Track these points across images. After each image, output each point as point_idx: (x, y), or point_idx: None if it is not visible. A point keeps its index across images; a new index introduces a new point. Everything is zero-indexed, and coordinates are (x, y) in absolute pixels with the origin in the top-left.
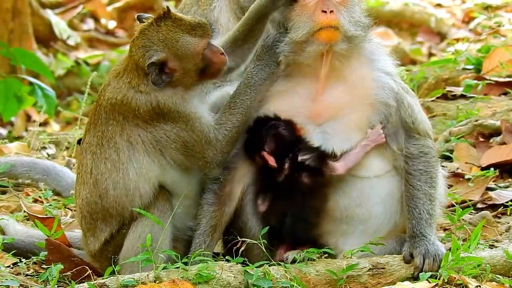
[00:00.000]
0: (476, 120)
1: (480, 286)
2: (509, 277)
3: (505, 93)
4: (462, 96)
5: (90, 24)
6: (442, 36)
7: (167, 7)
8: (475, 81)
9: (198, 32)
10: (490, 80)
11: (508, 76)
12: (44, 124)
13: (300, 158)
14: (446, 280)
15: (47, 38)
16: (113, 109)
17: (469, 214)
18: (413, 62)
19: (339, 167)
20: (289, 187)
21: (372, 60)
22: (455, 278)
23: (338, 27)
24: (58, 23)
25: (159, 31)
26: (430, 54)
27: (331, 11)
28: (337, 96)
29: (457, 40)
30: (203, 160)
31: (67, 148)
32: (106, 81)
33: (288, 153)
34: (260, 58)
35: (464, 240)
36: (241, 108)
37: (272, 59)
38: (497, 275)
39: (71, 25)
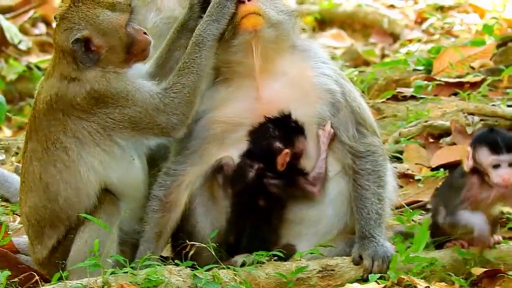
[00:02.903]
0: (426, 121)
1: (429, 286)
2: (459, 276)
3: (455, 94)
4: (413, 97)
5: (41, 28)
6: (395, 37)
7: None
8: (425, 82)
9: (117, 7)
10: (440, 81)
11: (458, 77)
12: None
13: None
14: (395, 282)
15: None
16: (50, 108)
17: (419, 214)
18: (367, 63)
19: (316, 191)
20: (253, 194)
21: (306, 50)
22: (404, 279)
23: (260, 13)
24: (10, 28)
25: (78, 11)
26: (383, 55)
27: (249, 0)
28: (279, 90)
29: (410, 41)
30: (158, 128)
31: (16, 153)
32: (39, 86)
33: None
34: (210, 14)
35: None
36: (192, 67)
37: (223, 14)
38: (448, 273)
39: (23, 30)
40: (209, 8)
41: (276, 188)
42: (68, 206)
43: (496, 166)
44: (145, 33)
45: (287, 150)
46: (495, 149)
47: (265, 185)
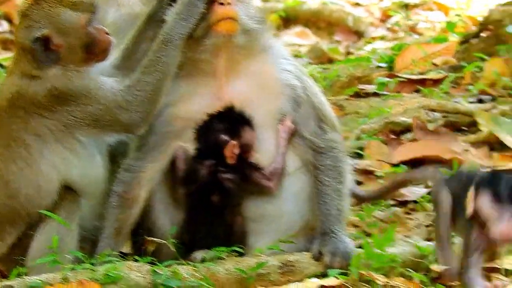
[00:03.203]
0: (388, 118)
1: (389, 282)
2: (418, 272)
3: (417, 91)
4: (375, 94)
5: (4, 26)
6: (359, 35)
7: None
8: (388, 79)
9: (79, 6)
10: (402, 77)
11: (420, 74)
12: None
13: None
14: (356, 278)
15: None
16: (12, 106)
17: (379, 211)
18: (331, 61)
19: (272, 186)
20: (210, 190)
21: (270, 48)
22: (363, 274)
23: (236, 19)
24: None
25: (40, 9)
26: (348, 53)
27: (228, 3)
28: (241, 87)
29: (374, 38)
30: (120, 125)
31: None
32: (1, 83)
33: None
34: (179, 12)
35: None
36: (158, 66)
37: (192, 13)
38: (408, 269)
39: None
40: (178, 6)
41: (231, 183)
42: (29, 203)
43: (497, 218)
44: (107, 33)
45: (233, 142)
46: (498, 198)
47: (219, 181)
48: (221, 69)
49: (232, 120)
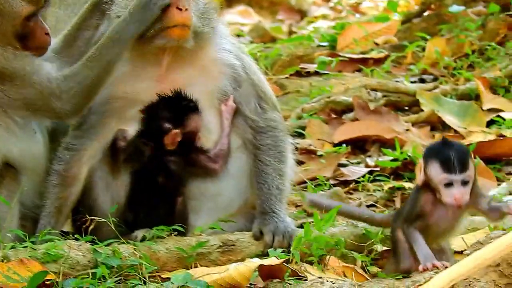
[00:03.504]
0: (329, 97)
1: (326, 264)
2: (360, 253)
3: (359, 70)
4: (316, 73)
5: None
6: (302, 14)
7: None
8: (329, 58)
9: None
10: (343, 57)
11: (362, 53)
12: None
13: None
14: (297, 262)
15: None
16: None
17: (321, 190)
18: (274, 40)
19: (218, 168)
20: (151, 169)
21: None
22: (305, 254)
23: (189, 25)
24: None
25: None
26: (290, 32)
27: (186, 9)
28: (181, 68)
29: (317, 17)
30: (51, 113)
31: None
32: None
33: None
34: (133, 13)
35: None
36: (101, 61)
37: (147, 17)
38: (351, 251)
39: None
40: (132, 7)
41: (175, 165)
42: None
43: (448, 185)
44: (47, 33)
45: (176, 131)
46: (448, 166)
47: (164, 162)
48: (166, 60)
49: (178, 108)
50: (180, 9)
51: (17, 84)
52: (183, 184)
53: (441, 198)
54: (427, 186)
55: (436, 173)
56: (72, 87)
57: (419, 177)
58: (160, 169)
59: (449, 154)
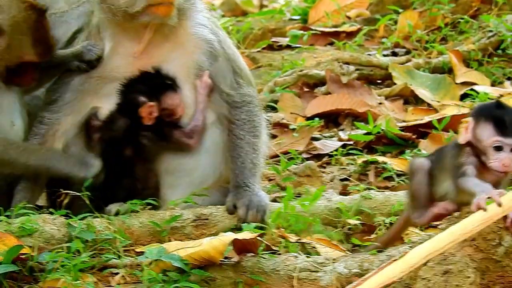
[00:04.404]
0: (301, 70)
1: (300, 238)
2: (333, 227)
3: (331, 43)
4: (288, 47)
5: None
6: None
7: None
8: (301, 32)
9: (39, 50)
10: (315, 30)
11: (334, 26)
12: None
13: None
14: (272, 237)
15: None
16: None
17: (294, 164)
18: (245, 14)
19: (193, 143)
20: (125, 145)
21: (190, 10)
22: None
23: (174, 2)
24: None
25: (21, 12)
26: (261, 6)
27: None
28: (157, 44)
29: None
30: None
31: None
32: None
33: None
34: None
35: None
36: (16, 153)
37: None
38: (325, 226)
39: None
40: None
41: (147, 140)
42: None
43: (498, 148)
44: (35, 79)
45: (151, 103)
46: (502, 129)
47: (135, 137)
48: (146, 37)
49: (155, 83)
50: None
51: None
52: (153, 159)
53: (486, 162)
54: (470, 146)
55: (488, 134)
56: None
57: (464, 136)
58: (129, 143)
59: (504, 117)
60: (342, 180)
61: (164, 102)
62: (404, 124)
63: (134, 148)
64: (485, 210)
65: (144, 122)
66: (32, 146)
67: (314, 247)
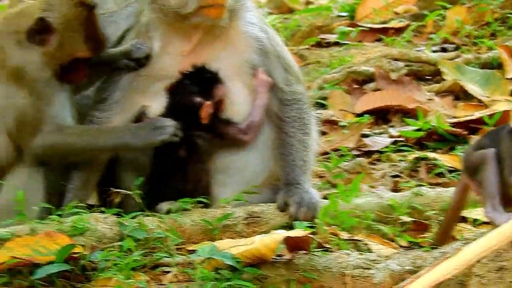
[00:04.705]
0: (350, 67)
1: (352, 236)
2: (385, 224)
3: (379, 40)
4: (336, 44)
5: None
6: None
7: (96, 4)
8: (349, 28)
9: (91, 45)
10: (363, 26)
11: (382, 23)
12: None
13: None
14: (324, 234)
15: None
16: None
17: (345, 161)
18: (291, 11)
19: (248, 139)
20: (178, 145)
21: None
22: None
23: (225, 5)
24: None
25: (71, 9)
26: (308, 2)
27: None
28: (209, 49)
29: None
30: (25, 144)
31: None
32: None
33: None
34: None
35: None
36: (93, 138)
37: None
38: (377, 223)
39: None
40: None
41: (202, 139)
42: None
43: None
44: (85, 75)
45: (208, 103)
46: None
47: (189, 137)
48: (196, 37)
49: (203, 80)
50: None
51: (29, 99)
52: (207, 158)
53: None
54: None
55: None
56: (50, 142)
57: None
58: (182, 143)
59: None
60: (393, 176)
61: (215, 96)
62: (454, 120)
63: (188, 148)
64: None
65: (203, 122)
66: (103, 128)
67: (366, 244)
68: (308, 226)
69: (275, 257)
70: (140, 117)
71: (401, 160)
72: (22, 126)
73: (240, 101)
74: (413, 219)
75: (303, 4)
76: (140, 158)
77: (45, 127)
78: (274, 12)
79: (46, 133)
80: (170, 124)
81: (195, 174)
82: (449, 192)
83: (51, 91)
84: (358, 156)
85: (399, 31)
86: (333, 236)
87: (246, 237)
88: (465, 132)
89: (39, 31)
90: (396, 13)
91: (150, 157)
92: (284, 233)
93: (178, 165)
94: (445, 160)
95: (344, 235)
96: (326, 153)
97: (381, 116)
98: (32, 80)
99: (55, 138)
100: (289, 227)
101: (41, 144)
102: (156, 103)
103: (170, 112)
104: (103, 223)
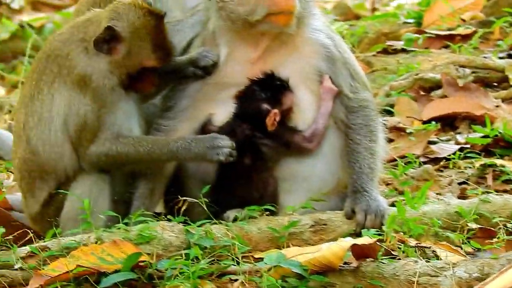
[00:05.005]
0: (417, 74)
1: (419, 243)
2: (452, 231)
3: (446, 46)
4: (403, 50)
5: None
6: None
7: (165, 13)
8: (416, 35)
9: (159, 54)
10: (430, 33)
11: (449, 29)
12: None
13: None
14: (391, 242)
15: None
16: (54, 58)
17: (412, 168)
18: (357, 17)
19: (312, 147)
20: (244, 152)
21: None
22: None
23: (294, 12)
24: None
25: (140, 18)
26: (374, 9)
27: None
28: (276, 55)
29: None
30: (83, 150)
31: (10, 111)
32: (64, 27)
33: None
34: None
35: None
36: (147, 149)
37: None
38: (444, 230)
39: None
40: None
41: (267, 147)
42: (51, 161)
43: None
44: (154, 84)
45: (275, 111)
46: None
47: (255, 144)
48: (264, 44)
49: (272, 87)
50: None
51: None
52: (272, 166)
53: None
54: None
55: None
56: (107, 151)
57: None
58: (247, 150)
59: None
60: (460, 183)
61: (284, 104)
62: None
63: (253, 156)
64: None
65: (269, 129)
66: (160, 140)
67: (433, 251)
68: (375, 234)
69: (342, 265)
70: (206, 126)
71: (468, 167)
72: (82, 133)
73: (306, 108)
74: (480, 226)
75: (369, 11)
76: (206, 166)
77: (103, 135)
78: (340, 18)
79: (102, 141)
80: (227, 145)
81: (260, 181)
82: None
83: (115, 99)
84: (425, 163)
85: (466, 37)
86: (401, 243)
87: (313, 245)
88: None
89: (107, 40)
90: (463, 20)
91: (215, 165)
92: (351, 241)
93: (243, 173)
94: None
95: (412, 242)
96: (393, 160)
97: (448, 123)
98: (97, 88)
99: (110, 146)
100: (357, 234)
101: (96, 151)
102: (222, 111)
103: (237, 118)
104: (169, 231)
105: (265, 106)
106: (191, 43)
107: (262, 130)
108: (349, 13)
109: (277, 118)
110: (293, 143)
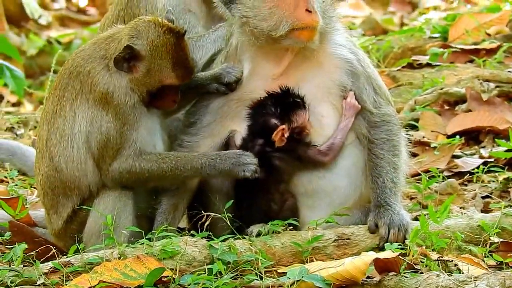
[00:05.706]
0: (442, 88)
1: (441, 256)
2: (475, 245)
3: (471, 61)
4: (428, 65)
5: (61, 2)
6: (413, 6)
7: (186, 31)
8: (441, 50)
9: (179, 72)
10: (456, 48)
11: (474, 44)
12: (18, 104)
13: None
14: (414, 256)
15: (18, 18)
16: (76, 75)
17: (436, 182)
18: (385, 32)
19: (327, 161)
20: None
21: (330, 33)
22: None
23: (317, 27)
24: (29, 2)
25: (160, 36)
26: (402, 24)
27: (315, 11)
28: (299, 71)
29: (428, 9)
30: (106, 167)
31: (35, 127)
32: (86, 44)
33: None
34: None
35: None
36: (170, 166)
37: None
38: (467, 244)
39: (42, 4)
40: (228, 160)
41: (279, 160)
42: (74, 177)
43: None
44: (175, 101)
45: (282, 127)
46: None
47: (268, 158)
48: (287, 59)
49: (284, 104)
50: (309, 11)
51: (114, 124)
52: (287, 180)
53: None
54: None
55: None
56: (129, 168)
57: None
58: (262, 165)
59: None
60: (483, 197)
61: (295, 122)
62: None
63: (266, 170)
64: None
65: (276, 145)
66: (183, 156)
67: (456, 265)
68: (398, 247)
69: (365, 279)
70: (228, 142)
71: (492, 181)
72: (104, 150)
73: (327, 123)
74: (502, 240)
75: (397, 26)
76: (229, 181)
77: (125, 152)
78: (368, 33)
79: (124, 157)
80: (252, 162)
81: (278, 193)
82: None
83: (137, 116)
84: (449, 177)
85: (490, 52)
86: (423, 257)
87: (336, 259)
88: None
89: (127, 59)
90: (488, 34)
91: (233, 180)
92: (374, 255)
93: (259, 186)
94: None
95: (434, 256)
96: (417, 174)
97: (473, 137)
98: (118, 105)
99: (132, 163)
100: (380, 248)
101: (118, 168)
102: (245, 127)
103: (249, 130)
104: (192, 246)
105: (274, 121)
106: (213, 58)
107: (272, 145)
108: (378, 28)
109: (286, 134)
110: (306, 157)
